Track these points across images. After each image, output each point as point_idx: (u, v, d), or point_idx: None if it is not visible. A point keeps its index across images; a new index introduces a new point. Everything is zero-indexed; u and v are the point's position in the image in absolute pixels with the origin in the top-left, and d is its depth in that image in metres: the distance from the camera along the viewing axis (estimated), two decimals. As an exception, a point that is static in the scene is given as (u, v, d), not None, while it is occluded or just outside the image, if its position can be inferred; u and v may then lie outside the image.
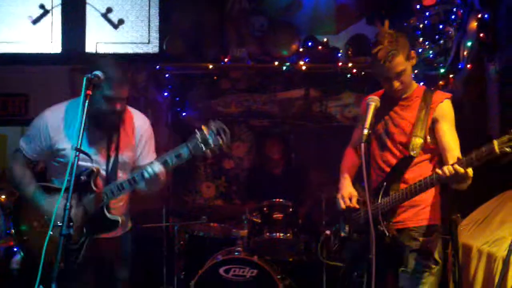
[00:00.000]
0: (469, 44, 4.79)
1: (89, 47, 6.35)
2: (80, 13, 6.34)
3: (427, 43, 5.24)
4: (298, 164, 5.43)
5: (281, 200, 4.54)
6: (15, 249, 4.67)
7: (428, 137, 2.74)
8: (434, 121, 2.73)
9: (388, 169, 2.82)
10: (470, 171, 2.48)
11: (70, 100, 2.99)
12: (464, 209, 3.22)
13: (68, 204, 2.45)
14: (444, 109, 2.75)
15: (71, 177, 2.48)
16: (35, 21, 6.37)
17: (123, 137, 2.99)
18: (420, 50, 5.33)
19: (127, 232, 3.18)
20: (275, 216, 4.48)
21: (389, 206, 2.73)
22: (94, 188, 2.84)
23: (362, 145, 2.53)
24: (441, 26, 5.11)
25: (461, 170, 2.42)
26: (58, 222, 2.54)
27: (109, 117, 2.87)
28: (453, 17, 5.04)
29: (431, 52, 5.21)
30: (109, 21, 6.38)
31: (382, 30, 2.77)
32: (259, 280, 4.16)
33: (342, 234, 2.96)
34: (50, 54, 6.33)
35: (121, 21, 6.37)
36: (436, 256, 2.78)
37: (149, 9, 6.39)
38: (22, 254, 4.62)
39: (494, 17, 4.63)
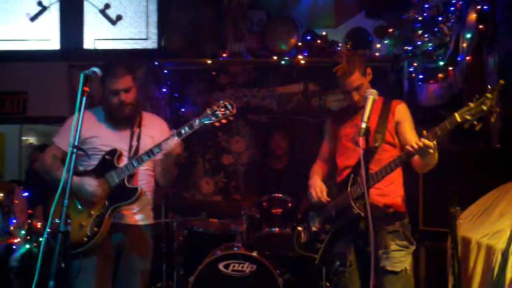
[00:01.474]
0: (468, 36, 4.75)
1: (87, 44, 6.33)
2: (78, 9, 6.32)
3: (426, 35, 5.21)
4: (298, 159, 5.41)
5: (280, 195, 4.53)
6: (14, 247, 4.70)
7: (395, 135, 3.13)
8: (397, 123, 3.14)
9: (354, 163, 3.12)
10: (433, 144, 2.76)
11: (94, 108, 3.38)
12: (463, 201, 3.20)
13: (66, 201, 2.56)
14: (403, 112, 3.17)
15: (68, 173, 2.60)
16: (33, 18, 6.36)
17: (143, 129, 3.32)
18: (419, 43, 5.31)
19: (149, 226, 3.38)
20: (274, 211, 4.47)
21: (359, 191, 2.99)
22: (116, 164, 3.16)
23: (361, 138, 2.65)
24: (440, 19, 5.08)
25: (429, 142, 2.71)
26: (56, 220, 2.64)
27: (121, 109, 3.21)
28: (452, 9, 5.01)
29: (430, 44, 5.19)
30: (107, 17, 6.36)
31: (341, 52, 3.15)
32: (258, 275, 4.16)
33: (313, 228, 3.30)
34: (48, 51, 6.30)
35: (119, 17, 6.36)
36: (410, 237, 3.10)
37: (147, 5, 6.37)
38: (22, 250, 4.69)
39: (493, 9, 4.60)
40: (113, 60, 3.40)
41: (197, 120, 3.08)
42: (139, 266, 3.28)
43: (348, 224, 3.07)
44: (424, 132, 2.76)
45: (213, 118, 3.07)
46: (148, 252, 3.36)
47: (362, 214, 2.91)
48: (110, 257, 3.22)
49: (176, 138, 3.09)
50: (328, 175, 3.40)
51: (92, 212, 3.11)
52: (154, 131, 3.35)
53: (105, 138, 3.25)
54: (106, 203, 3.12)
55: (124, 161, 3.20)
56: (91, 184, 3.10)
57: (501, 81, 2.60)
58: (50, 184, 3.18)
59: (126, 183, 3.14)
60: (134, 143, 3.27)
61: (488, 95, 2.56)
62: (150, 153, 3.12)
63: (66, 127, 3.31)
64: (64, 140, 3.25)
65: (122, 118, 3.26)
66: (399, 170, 3.08)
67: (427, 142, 2.71)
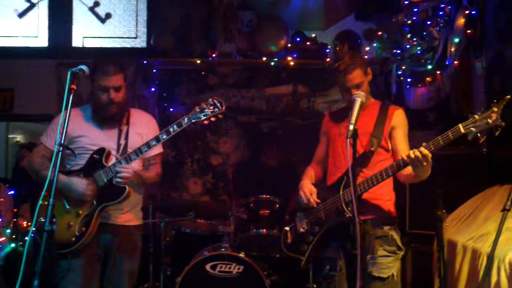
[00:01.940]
0: (456, 40, 4.79)
1: (76, 41, 6.29)
2: (67, 6, 6.29)
3: (414, 39, 5.24)
4: (286, 160, 5.42)
5: (268, 196, 4.52)
6: (-1, 246, 4.65)
7: (388, 140, 3.08)
8: (392, 128, 3.08)
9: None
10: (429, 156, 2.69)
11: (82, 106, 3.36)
12: (449, 205, 3.22)
13: (51, 200, 2.55)
14: (400, 118, 3.11)
15: (54, 172, 2.59)
16: (21, 15, 6.31)
17: (131, 127, 3.28)
18: (408, 46, 5.34)
19: (138, 227, 3.36)
20: (261, 212, 4.46)
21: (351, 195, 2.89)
22: (104, 163, 3.11)
23: (348, 140, 2.64)
24: (429, 23, 5.11)
25: (427, 152, 2.65)
26: (41, 219, 2.62)
27: (108, 107, 3.16)
28: (441, 13, 5.04)
29: (418, 48, 5.22)
30: (96, 15, 6.33)
31: (343, 49, 3.17)
32: (245, 276, 4.14)
33: (301, 230, 3.21)
34: (36, 48, 6.27)
35: (108, 15, 6.33)
36: (399, 242, 3.04)
37: (136, 4, 6.36)
38: (8, 249, 4.64)
39: (482, 14, 4.63)
40: (105, 56, 3.38)
41: (186, 118, 3.04)
42: (127, 267, 3.26)
43: (337, 228, 3.01)
44: (424, 144, 2.70)
45: (202, 116, 3.03)
46: (136, 253, 3.34)
47: (355, 219, 2.80)
48: (98, 257, 3.19)
49: (164, 134, 3.06)
50: (323, 177, 3.34)
51: (80, 211, 3.08)
52: (142, 128, 3.32)
53: (93, 137, 3.21)
54: (94, 202, 3.08)
55: (113, 160, 3.16)
56: (80, 183, 3.07)
57: (507, 96, 2.58)
58: (39, 183, 3.13)
59: (114, 182, 3.08)
60: (122, 141, 3.23)
61: (494, 108, 2.54)
62: (138, 152, 3.08)
63: (53, 126, 3.27)
64: (52, 139, 3.22)
65: (108, 116, 3.21)
66: None
67: (425, 151, 2.65)
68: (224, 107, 3.05)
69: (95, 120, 3.26)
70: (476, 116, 2.58)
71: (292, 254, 3.32)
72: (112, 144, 3.22)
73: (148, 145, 3.08)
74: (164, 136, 3.07)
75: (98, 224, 3.09)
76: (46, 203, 2.55)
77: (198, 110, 3.04)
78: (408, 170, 2.82)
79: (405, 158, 2.72)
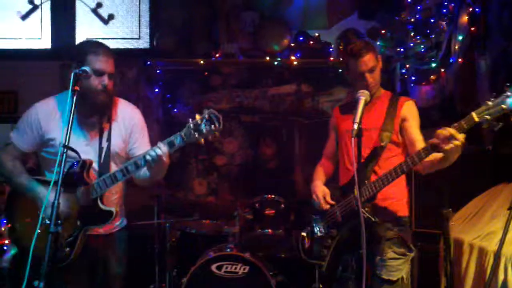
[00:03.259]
0: (460, 38, 4.78)
1: (79, 43, 6.29)
2: (70, 8, 6.29)
3: (418, 37, 5.23)
4: (290, 160, 5.42)
5: (273, 196, 4.51)
6: (5, 248, 4.65)
7: (399, 134, 2.96)
8: (403, 120, 2.96)
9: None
10: (463, 136, 2.52)
11: (60, 93, 3.00)
12: (455, 203, 3.21)
13: (56, 201, 2.42)
14: (411, 109, 3.00)
15: (59, 174, 2.45)
16: (24, 17, 6.31)
17: (114, 127, 2.98)
18: (411, 45, 5.33)
19: (123, 229, 3.17)
20: (267, 212, 4.45)
21: (368, 193, 2.81)
22: (87, 179, 2.81)
23: (353, 139, 2.58)
24: (432, 20, 5.10)
25: (455, 131, 2.47)
26: (47, 220, 2.54)
27: (99, 94, 2.83)
28: (444, 11, 5.03)
29: (422, 46, 5.20)
30: (99, 17, 6.33)
31: (354, 37, 3.05)
32: (251, 277, 4.14)
33: (319, 234, 3.09)
34: (39, 50, 6.27)
35: (111, 16, 6.33)
36: (410, 243, 2.98)
37: (139, 4, 6.35)
38: (13, 251, 4.65)
39: (485, 11, 4.62)
40: (92, 40, 3.17)
41: (178, 137, 2.72)
42: (116, 270, 3.10)
43: (354, 229, 2.81)
44: (456, 125, 2.52)
45: (196, 134, 2.66)
46: (124, 255, 3.17)
47: (373, 219, 2.77)
48: (86, 269, 2.99)
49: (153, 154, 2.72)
50: (335, 176, 3.23)
51: (62, 231, 2.67)
52: (126, 128, 3.02)
53: (70, 140, 2.69)
54: (78, 223, 2.82)
55: (93, 173, 2.87)
56: (60, 201, 2.54)
57: None
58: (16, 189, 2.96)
59: (100, 203, 2.82)
60: (104, 144, 2.94)
61: (508, 92, 2.36)
62: (125, 171, 2.80)
63: (25, 124, 2.96)
64: (23, 139, 2.95)
65: (98, 104, 2.87)
66: None
67: (452, 131, 2.47)
68: (221, 124, 2.66)
69: (76, 112, 2.76)
70: (489, 103, 2.41)
71: (311, 261, 3.15)
72: (91, 151, 2.92)
73: (136, 164, 2.78)
74: (153, 155, 2.74)
75: (83, 242, 2.85)
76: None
77: (192, 126, 2.66)
78: (433, 155, 2.65)
79: (436, 141, 2.52)
